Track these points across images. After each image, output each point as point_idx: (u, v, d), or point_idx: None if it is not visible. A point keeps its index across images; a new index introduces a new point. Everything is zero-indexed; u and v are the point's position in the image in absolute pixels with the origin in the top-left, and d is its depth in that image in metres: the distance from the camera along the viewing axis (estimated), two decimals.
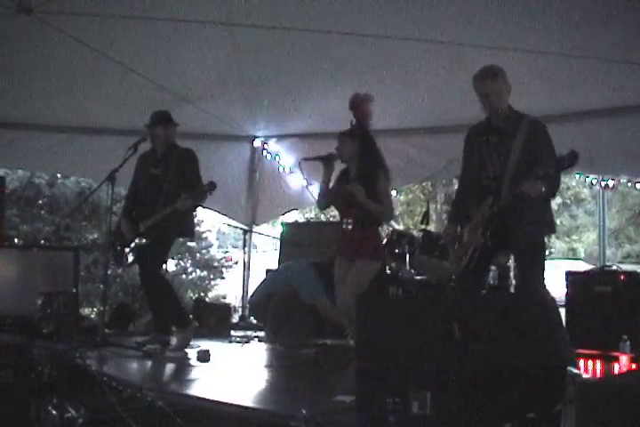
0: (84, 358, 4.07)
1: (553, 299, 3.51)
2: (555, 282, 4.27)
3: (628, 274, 4.85)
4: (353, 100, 4.24)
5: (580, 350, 4.20)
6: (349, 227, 4.22)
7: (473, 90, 3.68)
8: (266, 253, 13.37)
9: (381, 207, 4.17)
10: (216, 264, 10.19)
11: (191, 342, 4.92)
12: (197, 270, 9.92)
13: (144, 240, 4.86)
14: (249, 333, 5.74)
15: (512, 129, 3.59)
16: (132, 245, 4.95)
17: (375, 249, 4.24)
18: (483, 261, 3.69)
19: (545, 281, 3.59)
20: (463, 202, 3.85)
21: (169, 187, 4.82)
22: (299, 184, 6.74)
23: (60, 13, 4.23)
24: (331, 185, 4.44)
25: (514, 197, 3.43)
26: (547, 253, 4.11)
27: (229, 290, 9.75)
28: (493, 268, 5.42)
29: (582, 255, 20.74)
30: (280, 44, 4.65)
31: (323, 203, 4.48)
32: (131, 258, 5.00)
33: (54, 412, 3.73)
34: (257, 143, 7.21)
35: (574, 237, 21.68)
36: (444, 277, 4.16)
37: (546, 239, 3.87)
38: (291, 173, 6.97)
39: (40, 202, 9.10)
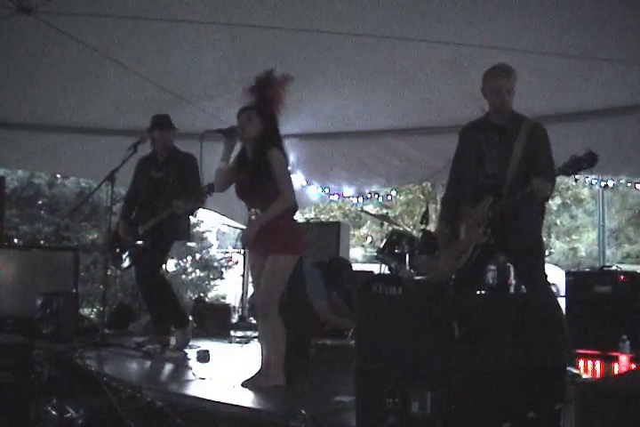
0: (83, 358, 4.07)
1: (555, 298, 3.53)
2: None
3: (628, 274, 4.86)
4: (268, 78, 3.71)
5: (580, 350, 4.20)
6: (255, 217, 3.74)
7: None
8: None
9: (282, 202, 3.65)
10: (216, 264, 10.16)
11: (191, 343, 4.93)
12: (197, 271, 9.89)
13: (142, 242, 4.86)
14: (249, 333, 5.73)
15: (513, 129, 3.58)
16: (131, 247, 4.96)
17: (289, 241, 3.68)
18: (482, 259, 3.68)
19: (547, 277, 3.59)
20: (456, 200, 3.79)
21: (170, 190, 4.83)
22: (298, 184, 6.73)
23: (60, 13, 4.22)
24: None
25: (522, 196, 3.41)
26: (547, 252, 4.12)
27: (229, 290, 9.74)
28: (493, 268, 5.42)
29: (583, 255, 20.72)
30: (280, 44, 4.64)
31: (221, 185, 3.90)
32: (129, 260, 5.01)
33: (54, 412, 3.72)
34: None
35: (574, 236, 21.65)
36: (443, 276, 4.12)
37: (545, 239, 3.88)
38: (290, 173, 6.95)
39: (40, 202, 9.06)
